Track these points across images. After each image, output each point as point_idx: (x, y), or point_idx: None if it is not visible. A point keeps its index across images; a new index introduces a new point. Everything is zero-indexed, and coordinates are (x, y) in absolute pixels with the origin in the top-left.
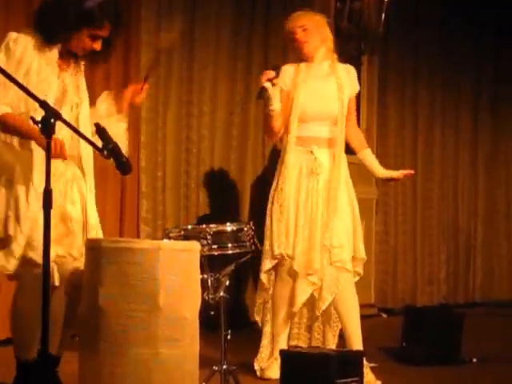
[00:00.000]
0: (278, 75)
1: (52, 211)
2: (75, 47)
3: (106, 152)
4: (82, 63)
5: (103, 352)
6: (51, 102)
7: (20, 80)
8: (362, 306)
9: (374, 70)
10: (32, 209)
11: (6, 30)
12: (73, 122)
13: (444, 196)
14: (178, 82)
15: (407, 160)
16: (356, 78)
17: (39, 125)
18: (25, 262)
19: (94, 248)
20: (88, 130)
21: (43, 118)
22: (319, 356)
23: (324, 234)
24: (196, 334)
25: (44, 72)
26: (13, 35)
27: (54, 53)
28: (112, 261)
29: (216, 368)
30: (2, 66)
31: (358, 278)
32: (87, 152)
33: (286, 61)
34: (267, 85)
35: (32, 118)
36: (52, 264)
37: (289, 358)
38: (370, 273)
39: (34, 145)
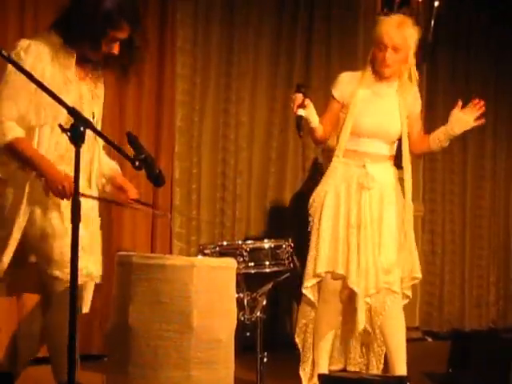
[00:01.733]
0: (305, 95)
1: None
2: (90, 51)
3: (137, 163)
4: (100, 72)
5: (132, 374)
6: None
7: (32, 90)
8: (406, 329)
9: (423, 79)
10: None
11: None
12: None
13: (495, 214)
14: (214, 90)
15: (456, 174)
16: (419, 96)
17: (68, 133)
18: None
19: (123, 263)
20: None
21: (72, 125)
22: (359, 381)
23: (376, 254)
24: (231, 356)
25: (57, 80)
26: (24, 43)
27: (71, 61)
28: (142, 277)
29: None
30: (12, 77)
31: (406, 300)
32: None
33: (328, 69)
34: (301, 113)
35: (60, 126)
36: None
37: (328, 382)
38: (416, 294)
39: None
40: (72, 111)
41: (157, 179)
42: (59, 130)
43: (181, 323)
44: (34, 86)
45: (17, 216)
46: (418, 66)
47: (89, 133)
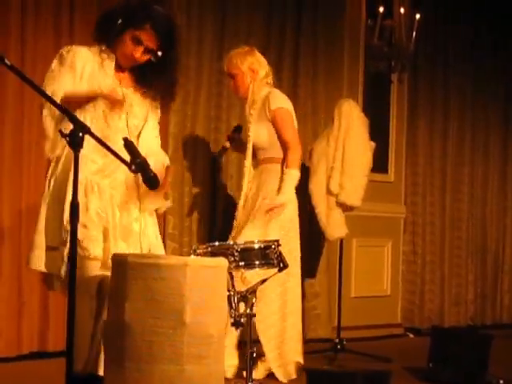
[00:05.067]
0: (240, 133)
1: None
2: (120, 54)
3: (133, 166)
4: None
5: (128, 368)
6: (102, 106)
7: (73, 82)
8: (389, 326)
9: (404, 88)
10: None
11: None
12: (124, 131)
13: (473, 216)
14: (206, 97)
15: (436, 179)
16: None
17: (67, 138)
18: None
19: (120, 263)
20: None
21: (71, 131)
22: (344, 375)
23: None
24: (222, 351)
25: (97, 75)
26: (66, 47)
27: (110, 64)
28: (138, 276)
29: None
30: (56, 72)
31: None
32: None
33: (315, 78)
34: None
35: (60, 131)
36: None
37: (315, 377)
38: (397, 292)
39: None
40: (71, 117)
41: (151, 182)
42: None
43: (174, 319)
44: (77, 77)
45: None
46: (401, 76)
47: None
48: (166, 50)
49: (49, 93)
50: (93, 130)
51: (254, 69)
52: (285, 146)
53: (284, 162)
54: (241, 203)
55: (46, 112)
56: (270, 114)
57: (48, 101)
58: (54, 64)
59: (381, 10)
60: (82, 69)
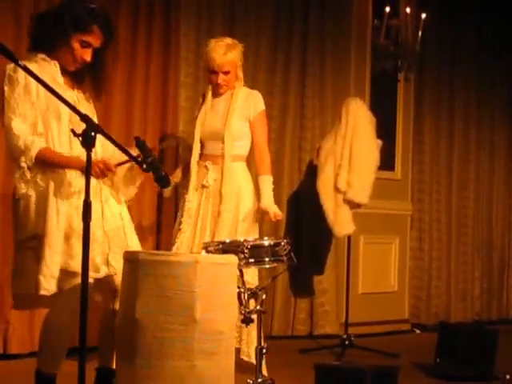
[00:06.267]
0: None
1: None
2: (66, 59)
3: (145, 165)
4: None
5: (139, 364)
6: (66, 117)
7: (32, 102)
8: (396, 322)
9: (411, 87)
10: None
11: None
12: None
13: (479, 213)
14: None
15: (442, 177)
16: (258, 101)
17: (80, 138)
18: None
19: (131, 260)
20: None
21: (84, 131)
22: (353, 370)
23: None
24: (232, 347)
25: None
26: (10, 66)
27: (56, 71)
28: (149, 273)
29: (251, 382)
30: (11, 95)
31: None
32: None
33: (322, 77)
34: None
35: (73, 131)
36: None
37: (323, 373)
38: (405, 289)
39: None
40: (84, 117)
41: (163, 180)
42: (65, 132)
43: (185, 316)
44: (33, 96)
45: None
46: (407, 75)
47: None
48: (108, 42)
49: (16, 122)
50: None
51: (241, 64)
52: (260, 148)
53: (258, 164)
54: (189, 197)
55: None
56: (254, 115)
57: (67, 105)
58: (7, 89)
59: (387, 9)
60: (37, 87)
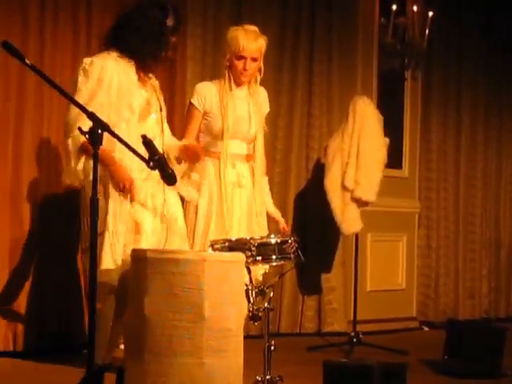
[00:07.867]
0: None
1: None
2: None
3: (151, 163)
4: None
5: (148, 361)
6: (137, 111)
7: (103, 96)
8: (404, 319)
9: (418, 85)
10: None
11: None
12: (160, 127)
13: (486, 211)
14: None
15: (450, 175)
16: (267, 99)
17: (86, 135)
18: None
19: (139, 258)
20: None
21: (90, 128)
22: (361, 367)
23: None
24: (240, 344)
25: (125, 84)
26: (87, 60)
27: (131, 68)
28: (157, 271)
29: (259, 378)
30: (83, 88)
31: None
32: None
33: (329, 74)
34: None
35: (79, 129)
36: None
37: (332, 370)
38: (412, 286)
39: None
40: (91, 115)
41: (169, 178)
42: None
43: (193, 313)
44: (104, 90)
45: None
46: (414, 73)
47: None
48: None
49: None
50: (129, 131)
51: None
52: (262, 148)
53: (258, 164)
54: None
55: (70, 141)
56: (264, 114)
57: (71, 101)
58: (80, 80)
59: (394, 7)
60: (110, 80)
